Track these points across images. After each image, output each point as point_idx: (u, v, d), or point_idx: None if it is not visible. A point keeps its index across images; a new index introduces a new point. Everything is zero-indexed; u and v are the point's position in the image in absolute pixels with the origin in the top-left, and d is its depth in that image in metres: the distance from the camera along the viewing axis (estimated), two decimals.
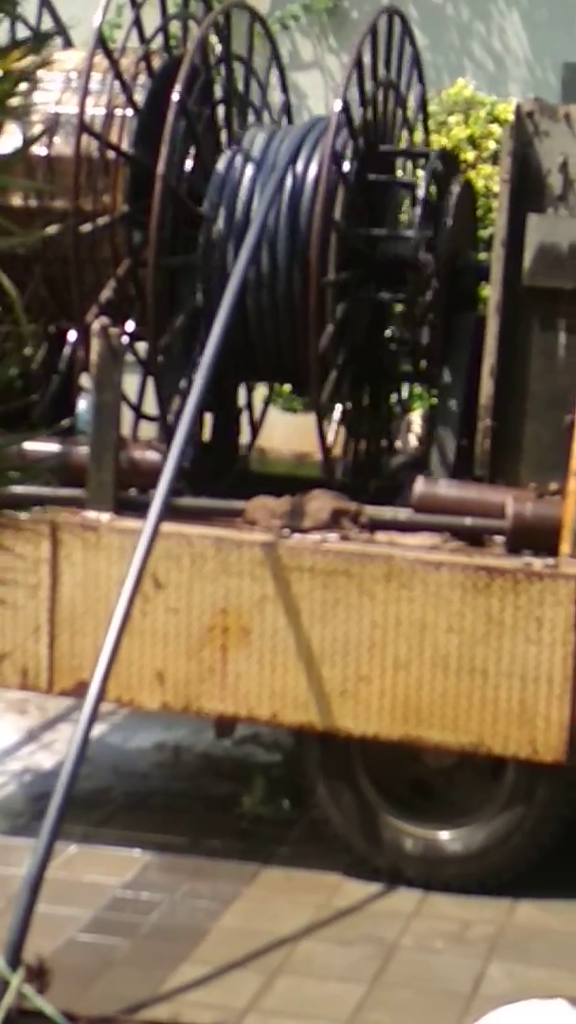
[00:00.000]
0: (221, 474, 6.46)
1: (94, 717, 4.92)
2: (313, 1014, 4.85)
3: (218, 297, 5.85)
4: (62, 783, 4.75)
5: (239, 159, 6.16)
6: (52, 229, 5.65)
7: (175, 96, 5.89)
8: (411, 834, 5.70)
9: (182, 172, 6.13)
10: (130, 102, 6.19)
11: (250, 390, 7.05)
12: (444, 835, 5.70)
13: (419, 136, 7.03)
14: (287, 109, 7.09)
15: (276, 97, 7.04)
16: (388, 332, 6.47)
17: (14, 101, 3.86)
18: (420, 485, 5.77)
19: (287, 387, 7.20)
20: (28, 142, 4.83)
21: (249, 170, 6.11)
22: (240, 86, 6.67)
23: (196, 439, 6.40)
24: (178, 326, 6.11)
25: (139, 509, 5.55)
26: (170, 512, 5.68)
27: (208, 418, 6.55)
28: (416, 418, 7.28)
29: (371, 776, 5.71)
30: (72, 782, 4.76)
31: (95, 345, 5.75)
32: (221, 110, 6.49)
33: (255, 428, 7.09)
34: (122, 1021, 4.75)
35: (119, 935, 5.32)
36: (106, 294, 6.14)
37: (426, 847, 5.70)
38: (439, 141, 9.21)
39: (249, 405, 6.99)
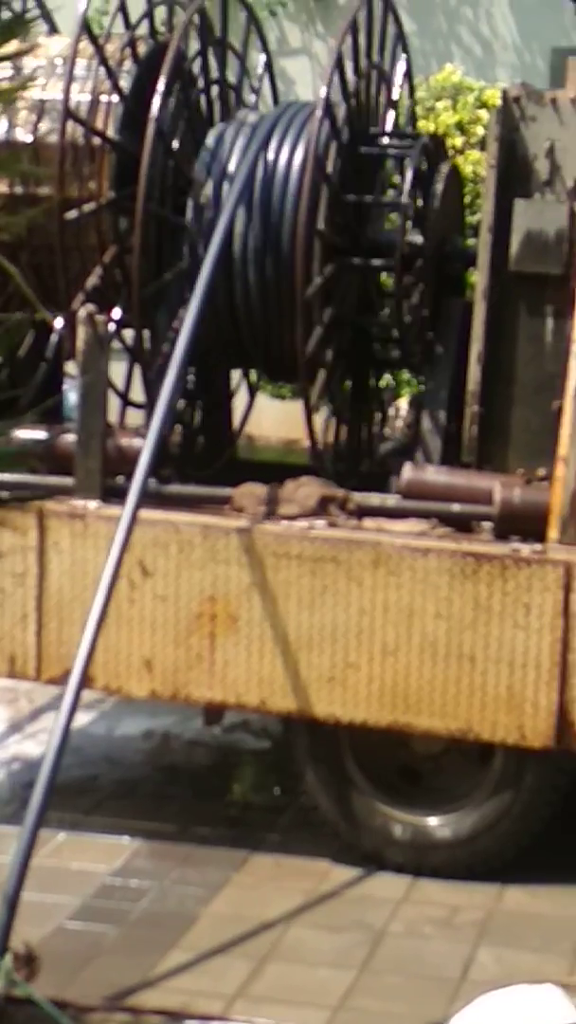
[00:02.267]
0: (209, 461, 6.45)
1: (76, 704, 4.91)
2: (302, 1000, 4.86)
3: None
4: (45, 770, 4.74)
5: (226, 141, 6.13)
6: (35, 214, 5.63)
7: (161, 84, 5.87)
8: (400, 820, 5.71)
9: (168, 160, 6.11)
10: (115, 88, 6.17)
11: (246, 376, 7.05)
12: (433, 821, 5.70)
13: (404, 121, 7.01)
14: (274, 95, 7.08)
15: (263, 84, 7.03)
16: (375, 318, 6.47)
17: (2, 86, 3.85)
18: (408, 471, 5.77)
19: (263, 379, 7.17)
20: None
21: (235, 152, 6.08)
22: (228, 73, 6.65)
23: (187, 425, 6.41)
24: (163, 313, 6.10)
25: (126, 497, 5.53)
26: (158, 499, 5.69)
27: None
28: (404, 404, 7.27)
29: (359, 762, 5.71)
30: (55, 769, 4.75)
31: (81, 332, 5.74)
32: (204, 96, 6.47)
33: (244, 415, 7.08)
34: (111, 1008, 4.75)
35: (108, 922, 5.32)
36: (92, 281, 6.12)
37: (415, 833, 5.70)
38: (427, 127, 9.20)
39: (248, 391, 6.96)
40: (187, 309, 5.65)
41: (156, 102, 5.86)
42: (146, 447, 5.40)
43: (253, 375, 7.19)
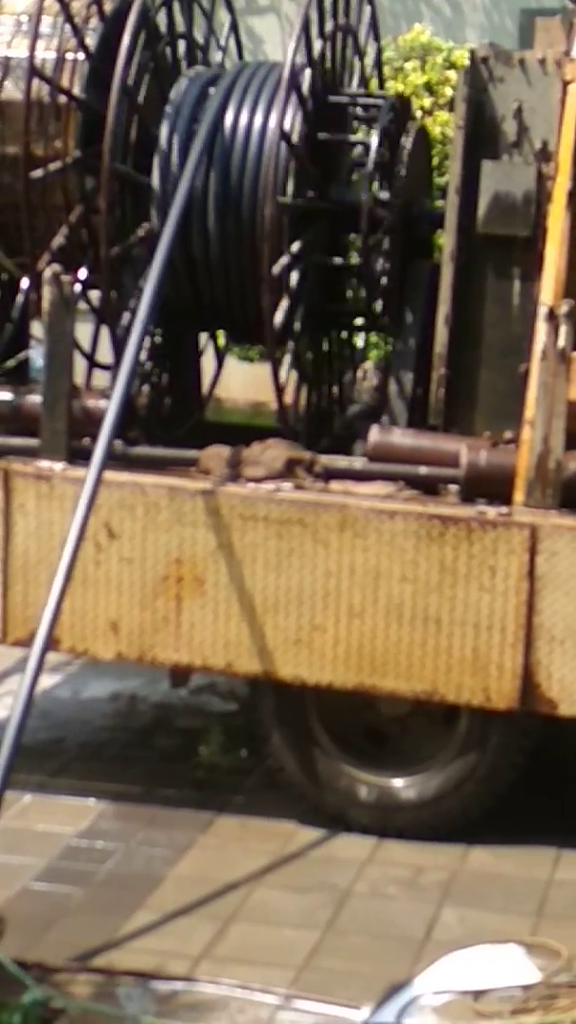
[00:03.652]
0: (177, 423, 6.44)
1: (41, 665, 4.90)
2: (267, 960, 4.88)
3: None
4: (11, 732, 4.73)
5: (190, 98, 6.08)
6: None
7: (125, 41, 5.83)
8: (365, 781, 5.72)
9: (134, 117, 6.06)
10: (81, 46, 6.12)
11: (213, 339, 7.02)
12: (398, 782, 5.72)
13: (374, 83, 6.97)
14: (240, 54, 7.04)
15: (228, 43, 6.99)
16: (343, 282, 6.45)
17: None
18: (375, 434, 5.76)
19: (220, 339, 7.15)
20: None
21: (200, 110, 6.03)
22: (195, 32, 6.60)
23: (154, 387, 6.39)
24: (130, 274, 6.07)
25: (92, 458, 5.50)
26: (124, 461, 5.67)
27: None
28: (371, 367, 7.26)
29: (325, 724, 5.72)
30: (21, 731, 4.74)
31: (47, 293, 5.70)
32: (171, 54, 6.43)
33: (213, 378, 7.06)
34: (77, 969, 4.76)
35: (73, 884, 5.32)
36: (58, 241, 6.08)
37: (380, 794, 5.72)
38: (395, 87, 9.16)
39: (216, 354, 6.94)
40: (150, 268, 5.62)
41: (120, 59, 5.81)
42: (111, 407, 5.37)
43: (221, 338, 7.17)
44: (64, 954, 4.82)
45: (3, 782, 4.71)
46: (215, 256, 6.05)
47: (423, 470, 5.65)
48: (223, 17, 6.96)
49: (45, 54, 6.08)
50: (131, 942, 4.96)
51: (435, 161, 7.16)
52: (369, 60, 6.74)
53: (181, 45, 6.49)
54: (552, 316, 5.36)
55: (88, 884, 5.34)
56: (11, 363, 6.03)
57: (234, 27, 6.97)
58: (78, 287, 5.89)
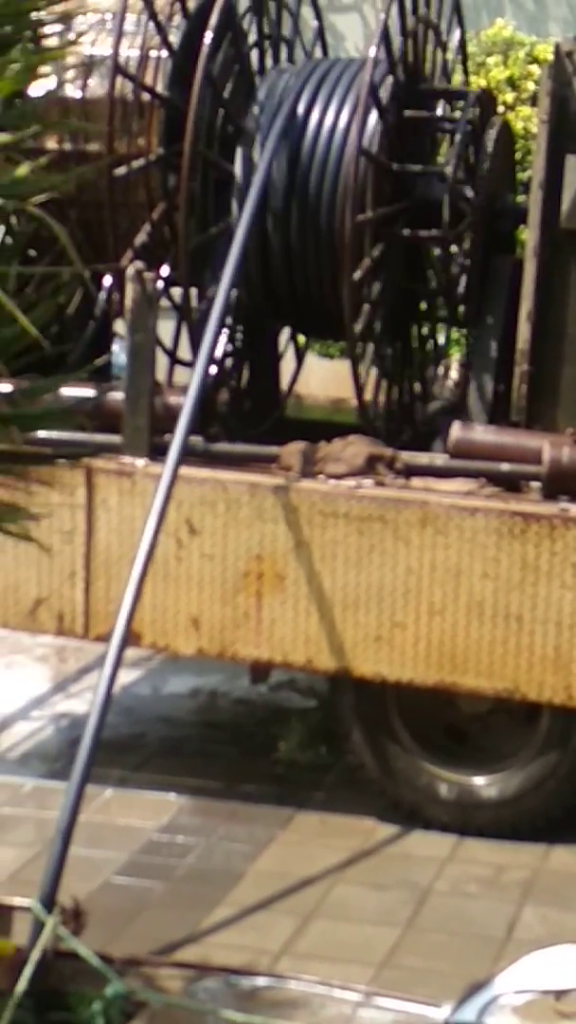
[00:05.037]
0: (258, 420, 6.44)
1: (119, 660, 4.92)
2: (347, 957, 4.88)
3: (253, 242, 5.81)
4: (90, 726, 4.76)
5: (277, 93, 6.08)
6: (83, 172, 5.61)
7: (208, 38, 5.84)
8: (446, 779, 5.71)
9: (216, 116, 6.08)
10: (165, 43, 6.14)
11: (293, 337, 7.02)
12: (479, 780, 5.70)
13: (457, 78, 6.94)
14: (324, 51, 7.03)
15: (308, 39, 6.98)
16: (425, 275, 6.43)
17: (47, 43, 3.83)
18: (456, 431, 5.74)
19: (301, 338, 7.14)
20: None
21: (286, 106, 6.04)
22: (275, 27, 6.61)
23: (235, 383, 6.40)
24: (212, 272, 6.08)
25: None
26: (205, 457, 5.69)
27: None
28: (453, 363, 7.23)
29: (406, 722, 5.71)
30: (100, 725, 4.77)
31: (130, 290, 5.73)
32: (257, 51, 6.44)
33: (293, 375, 7.06)
34: (157, 963, 4.78)
35: (154, 878, 5.35)
36: (141, 238, 6.11)
37: (460, 792, 5.70)
38: (478, 82, 9.11)
39: (295, 352, 6.93)
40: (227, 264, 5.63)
41: (204, 53, 5.82)
42: (187, 401, 5.39)
43: (301, 337, 7.16)
44: (145, 948, 4.85)
45: (84, 776, 4.74)
46: (294, 250, 6.04)
47: (505, 467, 5.61)
48: (307, 15, 6.96)
49: (129, 52, 6.10)
50: (211, 937, 4.98)
51: (517, 156, 7.11)
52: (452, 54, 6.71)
53: (266, 42, 6.49)
54: None
55: (169, 879, 5.36)
56: (98, 363, 6.05)
57: (320, 28, 6.96)
58: (160, 284, 5.91)
